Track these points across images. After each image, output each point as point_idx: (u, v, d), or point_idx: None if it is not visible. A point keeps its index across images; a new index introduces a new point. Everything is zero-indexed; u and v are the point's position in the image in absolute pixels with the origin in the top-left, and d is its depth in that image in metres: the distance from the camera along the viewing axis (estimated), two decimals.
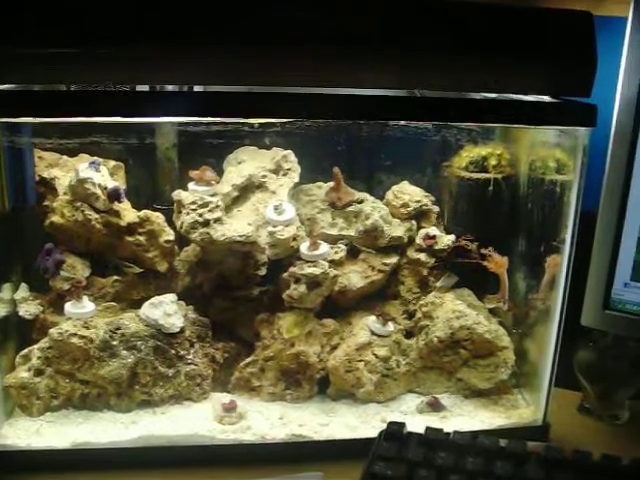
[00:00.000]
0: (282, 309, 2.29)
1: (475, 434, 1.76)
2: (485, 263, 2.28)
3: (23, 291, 2.27)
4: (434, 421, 2.21)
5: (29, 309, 2.24)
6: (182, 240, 2.31)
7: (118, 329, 2.16)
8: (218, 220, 2.20)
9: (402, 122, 2.12)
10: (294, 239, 2.23)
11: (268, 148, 2.37)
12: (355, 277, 2.36)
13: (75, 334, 2.13)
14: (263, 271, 2.39)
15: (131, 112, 1.79)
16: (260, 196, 2.33)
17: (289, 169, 2.32)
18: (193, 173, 2.21)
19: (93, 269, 2.29)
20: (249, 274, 2.37)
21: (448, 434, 1.76)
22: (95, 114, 1.79)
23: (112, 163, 2.32)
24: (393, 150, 2.46)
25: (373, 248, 2.41)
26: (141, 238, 2.26)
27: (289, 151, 2.33)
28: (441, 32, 1.79)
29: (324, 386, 2.30)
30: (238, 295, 2.37)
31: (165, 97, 1.86)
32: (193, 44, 1.71)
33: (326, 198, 2.36)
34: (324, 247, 2.23)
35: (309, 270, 2.19)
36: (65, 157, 2.32)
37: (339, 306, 2.40)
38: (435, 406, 2.25)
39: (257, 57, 1.72)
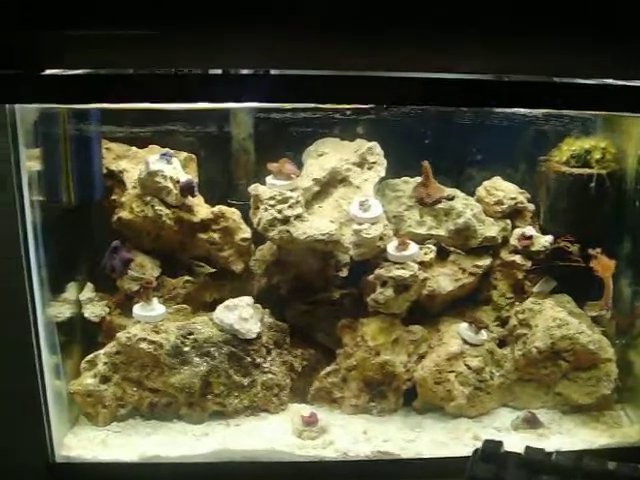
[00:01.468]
0: (366, 314, 2.08)
1: (579, 455, 1.54)
2: (591, 266, 1.99)
3: (89, 291, 2.10)
4: (531, 439, 1.97)
5: (95, 310, 2.08)
6: (258, 238, 2.08)
7: (190, 334, 1.98)
8: (299, 217, 1.99)
9: (497, 111, 1.84)
10: (381, 238, 2.02)
11: (350, 139, 2.10)
12: (444, 280, 2.14)
13: (144, 339, 1.96)
14: (345, 272, 2.19)
15: (206, 97, 1.61)
16: (343, 191, 2.12)
17: (375, 162, 2.10)
18: (272, 166, 2.00)
19: (163, 268, 2.11)
20: (330, 275, 2.17)
21: (550, 454, 1.54)
22: (167, 99, 1.61)
23: (184, 155, 2.12)
24: (484, 143, 2.21)
25: (464, 249, 2.18)
26: (215, 236, 2.07)
27: (374, 143, 2.11)
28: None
29: (410, 398, 2.09)
30: (318, 298, 2.17)
31: (247, 80, 1.62)
32: (277, 24, 1.47)
33: (414, 194, 2.15)
34: (413, 247, 2.00)
35: (397, 272, 1.98)
36: (134, 148, 2.13)
37: (426, 311, 2.18)
38: (532, 423, 2.02)
39: (344, 39, 1.52)
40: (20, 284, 1.73)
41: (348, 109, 1.83)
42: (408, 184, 2.17)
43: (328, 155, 2.12)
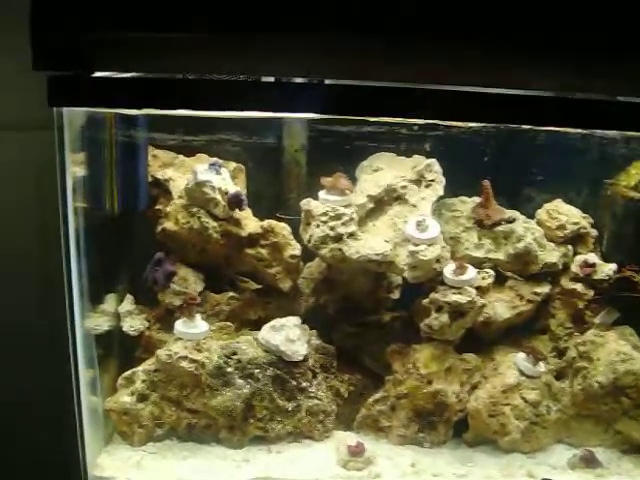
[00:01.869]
0: (417, 340, 1.96)
1: None
2: None
3: (128, 303, 2.00)
4: (588, 479, 1.86)
5: (134, 324, 1.98)
6: (306, 255, 2.00)
7: (234, 354, 1.87)
8: (352, 235, 1.88)
9: (561, 131, 1.71)
10: (437, 261, 1.90)
11: (408, 155, 1.98)
12: (501, 307, 2.02)
13: (185, 357, 1.85)
14: (396, 294, 2.07)
15: (258, 105, 1.52)
16: (399, 209, 2.00)
17: (432, 180, 1.98)
18: (325, 180, 1.89)
19: (206, 283, 2.00)
20: (380, 297, 2.05)
21: None
22: (218, 106, 1.53)
23: (233, 165, 2.02)
24: (545, 163, 2.09)
25: (522, 275, 2.05)
26: (263, 251, 1.97)
27: (433, 160, 1.97)
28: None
29: (460, 429, 1.97)
30: (367, 320, 2.05)
31: (301, 89, 1.54)
32: (338, 29, 1.40)
33: (473, 215, 2.03)
34: (471, 272, 1.88)
35: (454, 297, 1.86)
36: (181, 157, 2.03)
37: (480, 338, 2.06)
38: (590, 462, 1.90)
39: (410, 50, 1.44)
40: (60, 293, 1.66)
41: (414, 125, 1.69)
42: (466, 204, 2.06)
43: (383, 171, 2.02)
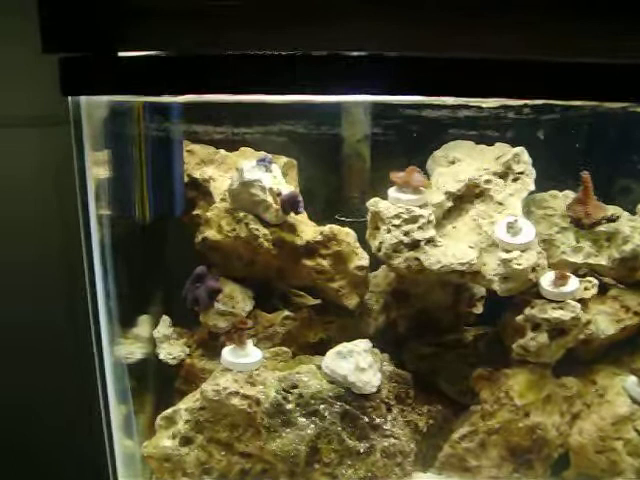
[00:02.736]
0: (506, 362, 1.63)
1: None
2: None
3: (165, 327, 1.71)
4: None
5: (172, 351, 1.68)
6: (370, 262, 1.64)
7: (294, 387, 1.54)
8: (431, 241, 1.56)
9: None
10: (533, 269, 1.55)
11: (488, 143, 1.62)
12: (604, 321, 1.67)
13: (236, 393, 1.53)
14: (479, 308, 1.74)
15: (318, 86, 1.23)
16: (482, 208, 1.66)
17: (521, 172, 1.65)
18: (396, 175, 1.56)
19: (257, 301, 1.68)
20: (461, 312, 1.73)
21: None
22: (265, 89, 1.23)
23: (283, 160, 1.70)
24: None
25: (627, 282, 1.70)
26: (324, 262, 1.64)
27: (521, 148, 1.64)
28: None
29: (559, 467, 1.64)
30: (445, 339, 1.73)
31: (360, 65, 1.22)
32: None
33: (569, 213, 1.67)
34: (574, 282, 1.56)
35: (554, 314, 1.55)
36: (223, 151, 1.69)
37: (577, 358, 1.70)
38: None
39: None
40: (84, 316, 1.43)
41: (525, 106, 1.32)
42: (557, 199, 1.70)
43: (462, 162, 1.67)
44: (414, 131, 1.59)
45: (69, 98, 1.25)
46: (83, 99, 1.26)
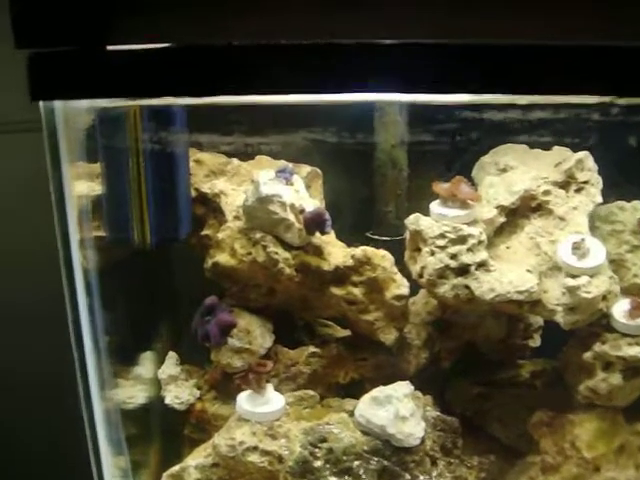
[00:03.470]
0: (570, 405, 1.37)
1: None
2: None
3: (171, 366, 1.46)
4: None
5: (180, 394, 1.44)
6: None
7: (323, 441, 1.28)
8: (482, 265, 1.30)
9: None
10: (604, 298, 1.29)
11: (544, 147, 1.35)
12: None
13: (255, 448, 1.26)
14: (537, 341, 1.49)
15: (346, 83, 0.98)
16: (541, 224, 1.39)
17: (586, 182, 1.40)
18: (439, 187, 1.33)
19: (278, 334, 1.42)
20: (515, 345, 1.48)
21: None
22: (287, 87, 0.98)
23: (306, 169, 1.45)
24: None
25: None
26: (356, 291, 1.38)
27: (585, 153, 1.39)
28: None
29: None
30: (497, 377, 1.48)
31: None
32: None
33: None
34: None
35: (631, 351, 1.29)
36: (236, 161, 1.42)
37: None
38: None
39: None
40: (65, 359, 1.20)
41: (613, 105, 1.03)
42: (625, 211, 1.43)
43: (515, 170, 1.41)
44: (463, 135, 1.30)
45: (40, 103, 0.97)
46: (59, 104, 0.97)
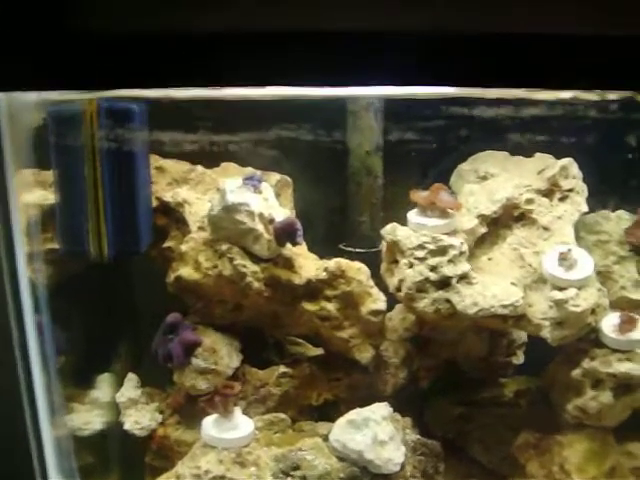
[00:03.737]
0: (557, 425, 1.31)
1: None
2: None
3: (131, 388, 1.37)
4: None
5: (141, 419, 1.35)
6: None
7: (296, 469, 1.20)
8: (464, 277, 1.24)
9: None
10: (592, 311, 1.23)
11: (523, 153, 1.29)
12: None
13: (222, 477, 1.16)
14: (520, 358, 1.41)
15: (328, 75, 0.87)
16: (524, 235, 1.32)
17: (571, 190, 1.34)
18: (418, 195, 1.27)
19: (246, 353, 1.33)
20: (498, 362, 1.40)
21: None
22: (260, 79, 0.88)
23: (275, 177, 1.37)
24: None
25: None
26: (330, 306, 1.30)
27: (569, 159, 1.34)
28: None
29: None
30: (479, 397, 1.40)
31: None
32: None
33: (628, 239, 1.34)
34: None
35: (622, 367, 1.24)
36: (200, 168, 1.31)
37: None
38: None
39: None
40: (10, 382, 1.07)
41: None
42: (609, 221, 1.37)
43: (496, 178, 1.34)
44: (442, 138, 1.22)
45: None
46: (1, 97, 0.86)
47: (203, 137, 1.23)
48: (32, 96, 0.97)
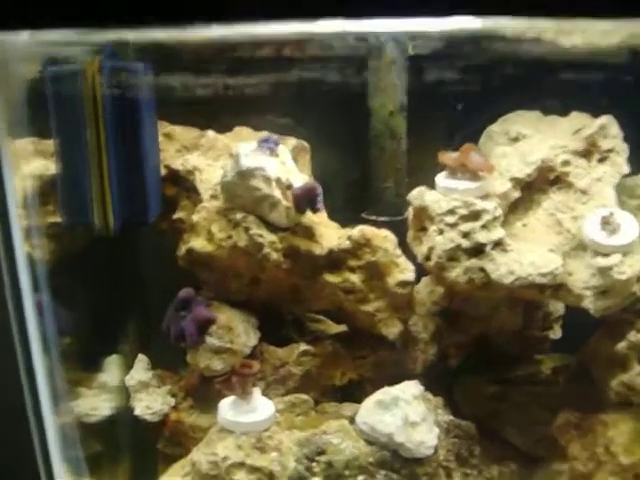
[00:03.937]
0: (600, 404, 1.22)
1: None
2: None
3: (141, 370, 1.30)
4: None
5: (152, 404, 1.28)
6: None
7: (320, 453, 1.13)
8: (499, 244, 1.14)
9: None
10: (638, 279, 1.14)
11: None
12: None
13: (242, 464, 1.10)
14: (558, 332, 1.33)
15: None
16: (560, 199, 1.24)
17: (610, 150, 1.24)
18: (447, 157, 1.18)
19: (264, 331, 1.25)
20: (534, 337, 1.31)
21: None
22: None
23: (292, 142, 1.29)
24: None
25: None
26: (354, 278, 1.22)
27: (608, 117, 1.24)
28: None
29: None
30: (514, 374, 1.32)
31: None
32: None
33: None
34: None
35: None
36: (211, 133, 1.28)
37: None
38: None
39: None
40: (10, 366, 0.99)
41: None
42: None
43: (528, 139, 1.27)
44: (470, 97, 1.13)
45: None
46: None
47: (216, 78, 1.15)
48: (23, 36, 0.87)
